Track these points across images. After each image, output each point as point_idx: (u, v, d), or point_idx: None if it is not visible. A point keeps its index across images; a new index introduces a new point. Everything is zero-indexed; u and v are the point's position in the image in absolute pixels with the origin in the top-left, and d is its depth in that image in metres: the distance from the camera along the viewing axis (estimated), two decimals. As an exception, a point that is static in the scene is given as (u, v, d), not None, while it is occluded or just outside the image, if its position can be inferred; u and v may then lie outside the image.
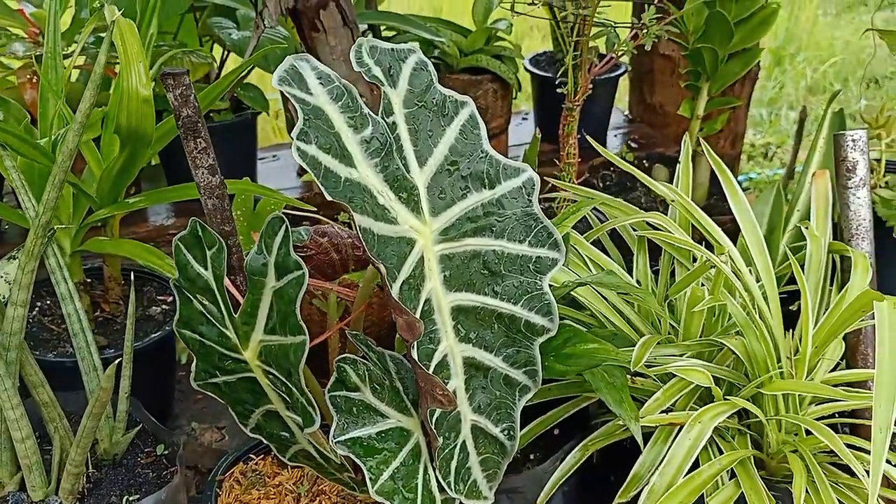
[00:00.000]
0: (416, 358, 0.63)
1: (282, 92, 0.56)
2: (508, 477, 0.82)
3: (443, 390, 0.62)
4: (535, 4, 1.28)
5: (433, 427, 0.68)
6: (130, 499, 0.69)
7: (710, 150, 1.01)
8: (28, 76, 1.34)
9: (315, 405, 0.62)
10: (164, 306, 1.10)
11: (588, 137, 1.12)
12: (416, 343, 0.64)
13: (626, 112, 2.02)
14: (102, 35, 1.37)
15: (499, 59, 1.63)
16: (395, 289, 0.62)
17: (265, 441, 0.74)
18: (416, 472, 0.70)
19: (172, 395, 1.12)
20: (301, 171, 1.72)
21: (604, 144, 1.89)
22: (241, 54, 1.41)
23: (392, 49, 0.68)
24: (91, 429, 0.63)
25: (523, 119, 1.95)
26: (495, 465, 0.79)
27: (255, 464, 0.87)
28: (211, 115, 1.49)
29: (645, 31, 1.18)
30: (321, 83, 0.61)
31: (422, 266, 0.67)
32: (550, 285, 0.74)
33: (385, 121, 0.65)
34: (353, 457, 0.66)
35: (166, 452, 0.75)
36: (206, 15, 1.52)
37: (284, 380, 0.63)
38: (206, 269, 0.63)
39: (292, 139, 0.58)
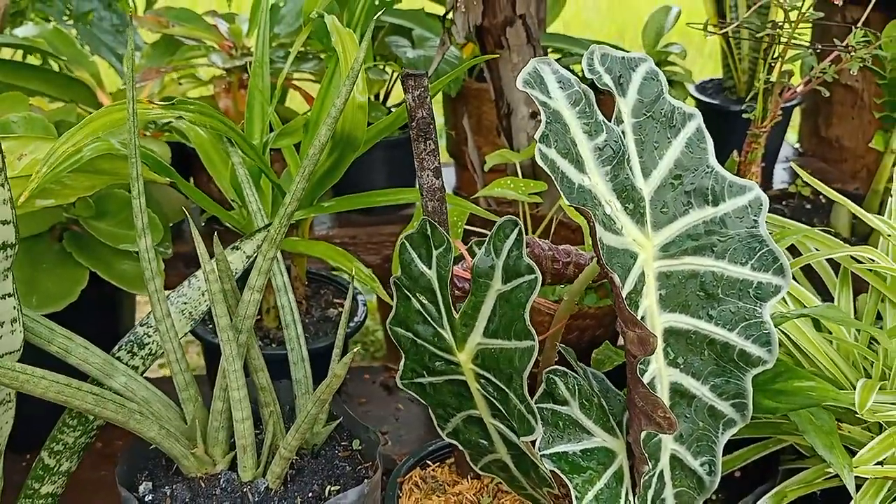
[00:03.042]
0: (637, 375, 0.60)
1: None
2: (694, 516, 0.76)
3: (664, 412, 0.59)
4: (719, 29, 1.23)
5: (644, 451, 0.65)
6: (332, 489, 0.70)
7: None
8: (224, 86, 1.44)
9: (536, 413, 0.60)
10: (340, 309, 1.13)
11: (795, 166, 1.05)
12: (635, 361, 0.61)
13: (796, 145, 1.91)
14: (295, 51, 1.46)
15: (669, 84, 1.59)
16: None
17: (461, 447, 0.73)
18: (618, 496, 0.67)
19: (339, 396, 1.15)
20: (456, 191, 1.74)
21: (771, 177, 1.79)
22: (415, 72, 1.45)
23: (623, 57, 0.67)
24: (314, 415, 0.65)
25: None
26: (689, 500, 0.74)
27: (433, 470, 0.87)
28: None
29: (850, 55, 1.11)
30: (560, 87, 0.61)
31: (642, 282, 0.65)
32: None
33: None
34: (558, 472, 0.64)
35: (361, 448, 0.76)
36: (383, 34, 1.58)
37: (503, 385, 0.62)
38: (430, 268, 0.64)
39: (535, 141, 0.57)
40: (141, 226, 0.63)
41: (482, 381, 0.65)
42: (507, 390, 0.62)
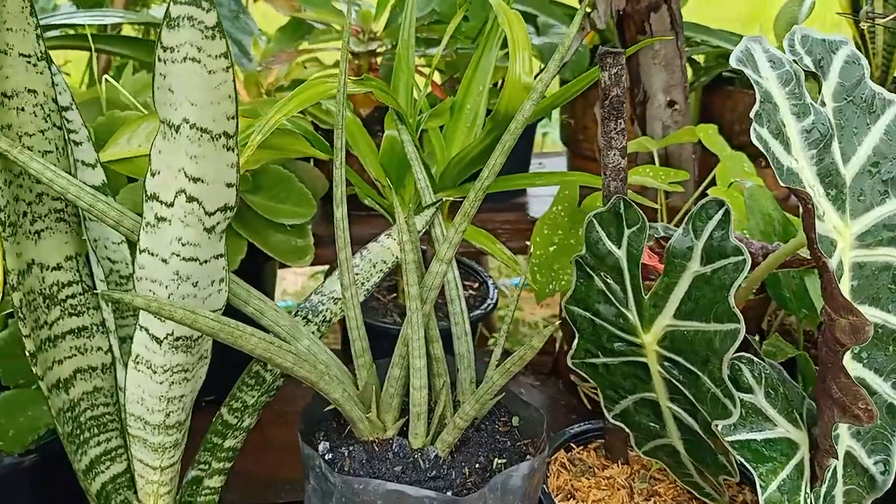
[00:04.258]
0: (841, 364, 0.59)
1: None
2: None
3: (866, 404, 0.58)
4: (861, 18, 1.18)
5: (833, 444, 0.63)
6: (499, 461, 0.72)
7: None
8: (353, 69, 1.47)
9: (735, 397, 0.60)
10: (470, 291, 1.15)
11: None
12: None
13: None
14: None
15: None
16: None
17: (627, 429, 0.73)
18: (799, 489, 0.66)
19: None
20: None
21: None
22: (540, 59, 1.45)
23: (823, 40, 0.65)
24: (498, 385, 0.66)
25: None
26: (858, 499, 0.72)
27: (578, 453, 0.87)
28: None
29: None
30: (771, 66, 0.60)
31: (840, 270, 0.63)
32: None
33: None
34: (742, 460, 0.63)
35: (519, 425, 0.77)
36: (506, 22, 1.58)
37: (695, 368, 0.62)
38: (619, 247, 0.64)
39: (751, 119, 0.57)
40: (339, 196, 0.66)
41: (667, 363, 0.64)
42: (698, 373, 0.62)
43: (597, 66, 0.91)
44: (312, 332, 0.75)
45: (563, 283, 1.01)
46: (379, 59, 1.50)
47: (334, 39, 1.47)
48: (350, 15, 0.65)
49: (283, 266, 1.21)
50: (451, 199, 1.01)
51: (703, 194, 1.09)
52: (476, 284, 1.17)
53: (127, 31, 1.74)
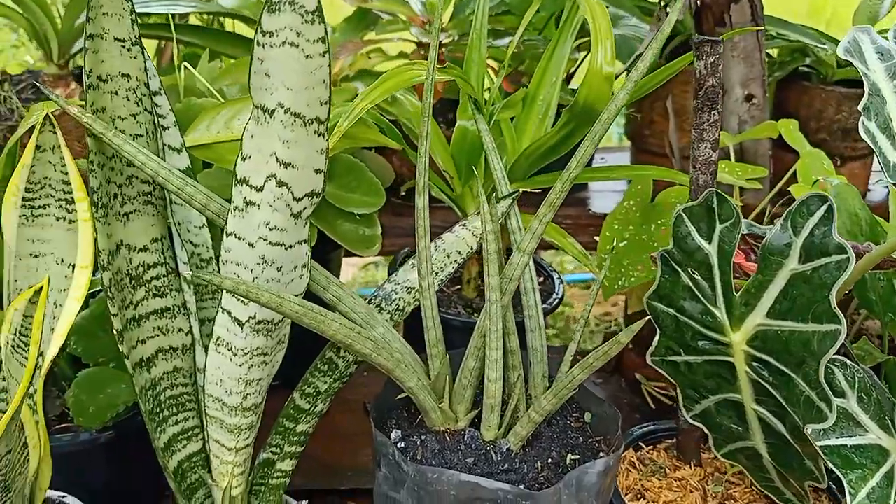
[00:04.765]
0: (947, 372, 0.56)
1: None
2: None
3: (974, 414, 0.55)
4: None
5: (932, 454, 0.60)
6: (571, 457, 0.71)
7: None
8: (419, 59, 1.47)
9: (831, 401, 0.57)
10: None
11: None
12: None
13: None
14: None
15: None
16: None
17: (706, 430, 0.71)
18: (888, 497, 0.63)
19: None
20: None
21: None
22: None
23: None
24: (579, 380, 0.65)
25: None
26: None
27: (648, 453, 0.85)
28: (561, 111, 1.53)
29: None
30: (879, 59, 0.57)
31: (945, 272, 0.60)
32: None
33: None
34: (832, 466, 0.61)
35: (591, 421, 0.76)
36: (572, 13, 1.55)
37: (788, 370, 0.60)
38: (709, 242, 0.62)
39: (859, 111, 0.54)
40: (423, 184, 0.65)
41: (756, 363, 0.62)
42: (791, 375, 0.59)
43: (672, 61, 0.89)
44: (385, 321, 0.75)
45: (632, 279, 0.99)
46: (444, 51, 1.49)
47: (400, 30, 1.47)
48: (440, 6, 0.65)
49: (348, 255, 1.21)
50: (524, 190, 1.00)
51: (781, 192, 1.05)
52: (541, 279, 1.16)
53: (191, 20, 1.78)
